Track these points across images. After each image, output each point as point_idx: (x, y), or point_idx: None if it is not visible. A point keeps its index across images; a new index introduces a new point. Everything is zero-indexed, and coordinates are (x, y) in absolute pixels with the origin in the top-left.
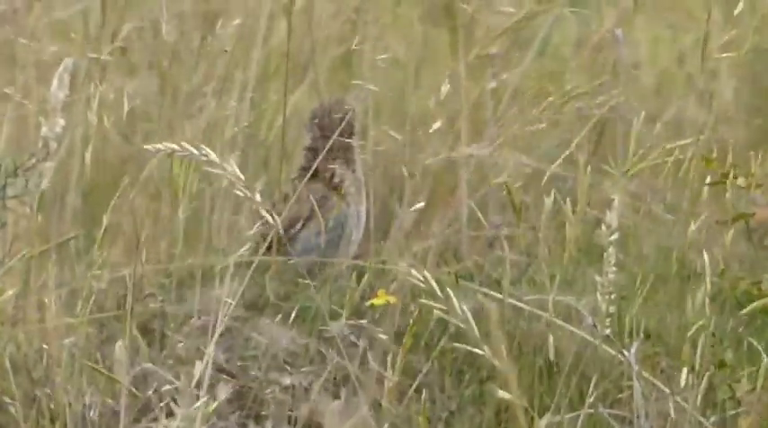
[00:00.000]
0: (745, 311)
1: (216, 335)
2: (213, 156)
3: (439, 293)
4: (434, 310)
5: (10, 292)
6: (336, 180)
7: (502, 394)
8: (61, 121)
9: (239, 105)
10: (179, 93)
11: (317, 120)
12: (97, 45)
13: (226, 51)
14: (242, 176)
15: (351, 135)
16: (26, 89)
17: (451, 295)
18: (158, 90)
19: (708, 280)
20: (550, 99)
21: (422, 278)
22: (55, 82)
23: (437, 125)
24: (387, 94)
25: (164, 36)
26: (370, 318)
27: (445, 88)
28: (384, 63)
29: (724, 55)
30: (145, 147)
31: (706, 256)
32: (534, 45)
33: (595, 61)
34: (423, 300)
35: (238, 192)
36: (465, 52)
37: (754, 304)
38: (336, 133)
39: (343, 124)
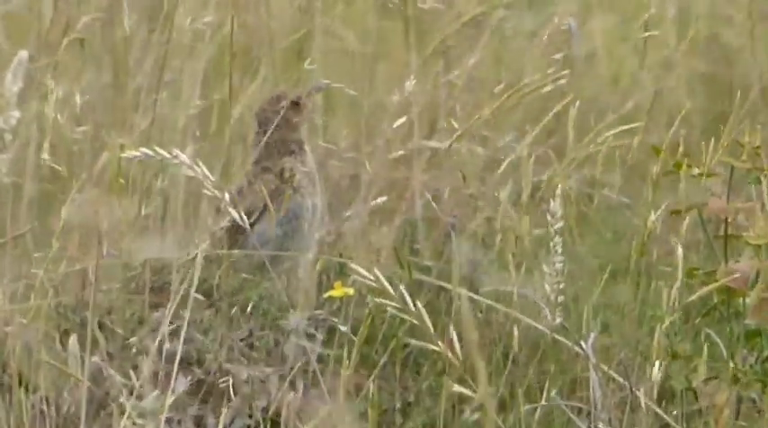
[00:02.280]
0: (694, 297)
1: (165, 326)
2: (184, 157)
3: (391, 291)
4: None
5: None
6: (287, 174)
7: (457, 388)
8: (16, 114)
9: (191, 97)
10: (131, 85)
11: (256, 115)
12: (52, 37)
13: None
14: (211, 177)
15: (291, 129)
16: None
17: (404, 292)
18: (111, 83)
19: (680, 270)
20: (501, 86)
21: (372, 277)
22: (9, 75)
23: (402, 120)
24: (341, 87)
25: (125, 29)
26: (328, 310)
27: (410, 83)
28: (337, 54)
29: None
30: (123, 155)
31: (680, 250)
32: (485, 36)
33: (549, 53)
34: (377, 299)
35: (207, 192)
36: (420, 45)
37: (703, 290)
38: (271, 129)
39: (279, 119)
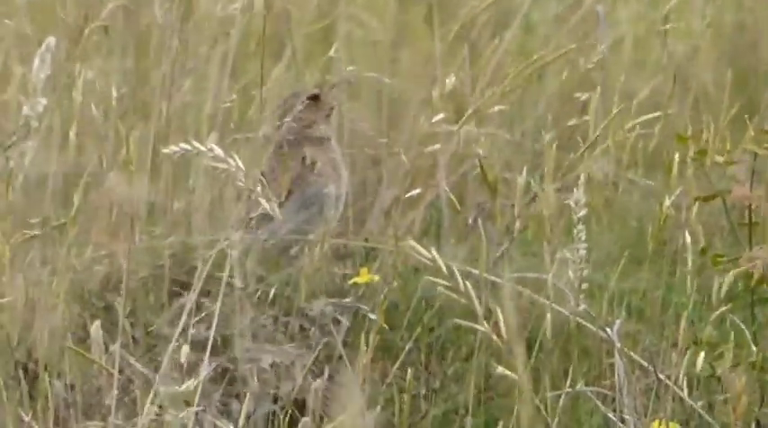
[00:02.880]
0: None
1: (190, 312)
2: (219, 151)
3: (445, 271)
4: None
5: None
6: (308, 162)
7: (502, 371)
8: (43, 101)
9: (218, 84)
10: (156, 72)
11: (278, 108)
12: (80, 24)
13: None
14: (243, 168)
15: (313, 122)
16: (6, 69)
17: (456, 272)
18: (135, 69)
19: (689, 257)
20: (521, 68)
21: (428, 255)
22: (36, 61)
23: (440, 116)
24: (367, 76)
25: (156, 15)
26: (353, 297)
27: (450, 81)
28: (361, 41)
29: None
30: (164, 151)
31: (688, 236)
32: (516, 22)
33: (575, 39)
34: (428, 277)
35: (240, 184)
36: (443, 32)
37: (729, 275)
38: (287, 123)
39: (297, 114)
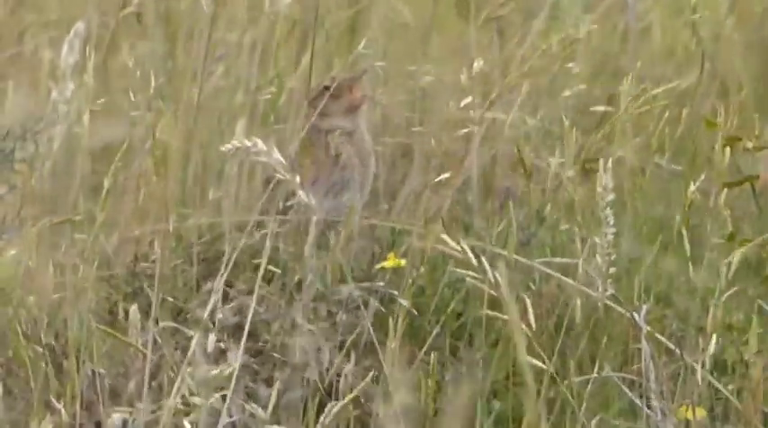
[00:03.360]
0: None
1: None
2: (261, 145)
3: (474, 262)
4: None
5: (20, 256)
6: (333, 152)
7: (528, 359)
8: (71, 86)
9: (248, 70)
10: (184, 58)
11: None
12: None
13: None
14: (284, 161)
15: (336, 112)
16: (36, 53)
17: (484, 261)
18: (167, 55)
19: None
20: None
21: (456, 245)
22: (65, 47)
23: (468, 100)
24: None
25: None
26: (381, 281)
27: (478, 64)
28: (391, 26)
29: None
30: (222, 148)
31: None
32: (544, 9)
33: (605, 26)
34: (454, 269)
35: (280, 176)
36: (475, 15)
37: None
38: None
39: (321, 104)
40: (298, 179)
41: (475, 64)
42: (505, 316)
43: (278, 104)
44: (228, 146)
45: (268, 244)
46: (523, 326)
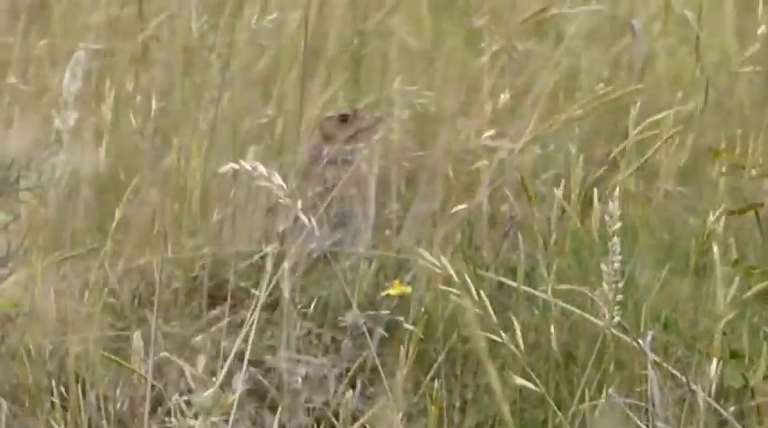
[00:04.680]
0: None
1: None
2: (261, 169)
3: (456, 279)
4: (450, 300)
5: (25, 284)
6: (329, 184)
7: (520, 381)
8: (74, 114)
9: (253, 97)
10: (194, 85)
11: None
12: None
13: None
14: (285, 186)
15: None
16: (40, 82)
17: (470, 283)
18: (176, 83)
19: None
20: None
21: (439, 265)
22: (67, 74)
23: (490, 133)
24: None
25: (193, 31)
26: (386, 309)
27: (504, 97)
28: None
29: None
30: (220, 171)
31: (715, 248)
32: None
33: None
34: (441, 287)
35: (282, 201)
36: (485, 44)
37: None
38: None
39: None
40: (299, 204)
41: (502, 96)
42: (494, 337)
43: (283, 132)
44: (226, 167)
45: (269, 269)
46: (513, 347)
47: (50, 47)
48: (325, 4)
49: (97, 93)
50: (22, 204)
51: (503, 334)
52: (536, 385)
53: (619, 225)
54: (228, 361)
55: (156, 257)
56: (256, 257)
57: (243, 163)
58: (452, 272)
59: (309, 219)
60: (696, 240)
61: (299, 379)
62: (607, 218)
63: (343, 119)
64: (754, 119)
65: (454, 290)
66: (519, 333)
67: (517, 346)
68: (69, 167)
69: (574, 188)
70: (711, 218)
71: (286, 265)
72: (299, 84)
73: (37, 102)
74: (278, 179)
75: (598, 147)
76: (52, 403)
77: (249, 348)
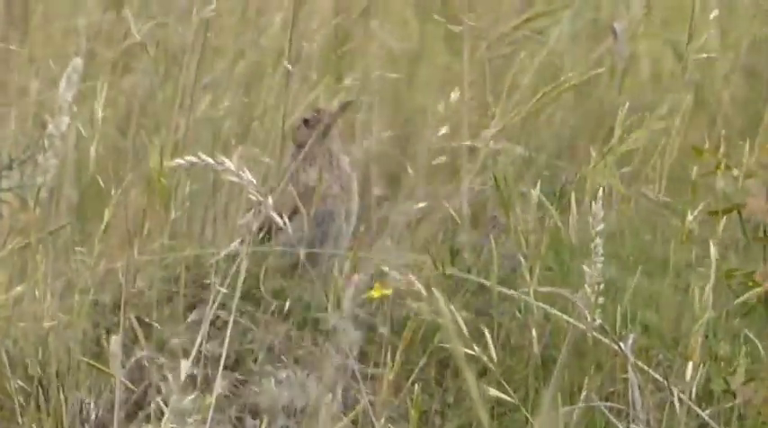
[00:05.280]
0: (740, 300)
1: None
2: (229, 163)
3: (424, 293)
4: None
5: (4, 285)
6: (312, 183)
7: (494, 393)
8: (67, 120)
9: (235, 100)
10: (176, 88)
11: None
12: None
13: None
14: (255, 181)
15: (319, 142)
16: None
17: (437, 295)
18: (157, 86)
19: (713, 271)
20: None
21: (407, 280)
22: (63, 81)
23: (444, 130)
24: (382, 90)
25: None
26: (367, 311)
27: (455, 95)
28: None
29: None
30: (173, 163)
31: (713, 249)
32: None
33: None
34: (409, 302)
35: (252, 197)
36: (467, 48)
37: (748, 294)
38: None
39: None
40: (270, 200)
41: (452, 93)
42: (463, 348)
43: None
44: (181, 161)
45: (242, 273)
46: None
47: (30, 52)
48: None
49: (80, 97)
50: (4, 204)
51: (475, 348)
52: (510, 395)
53: (602, 226)
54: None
55: (128, 260)
56: (221, 255)
57: (203, 156)
58: (420, 286)
59: (282, 217)
60: (675, 241)
61: (280, 383)
62: (590, 219)
63: (306, 121)
64: (737, 119)
65: (424, 306)
66: (491, 344)
67: (490, 358)
68: (54, 169)
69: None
70: (690, 217)
71: (243, 266)
72: (283, 85)
73: (20, 105)
74: (248, 174)
75: (580, 149)
76: (34, 407)
77: (224, 351)
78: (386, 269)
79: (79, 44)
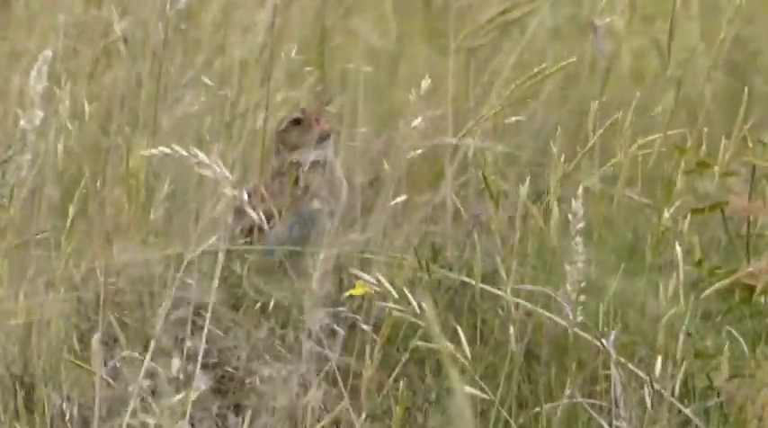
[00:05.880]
0: (709, 291)
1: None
2: (203, 156)
3: (395, 295)
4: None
5: None
6: (301, 184)
7: (469, 390)
8: (40, 113)
9: (218, 97)
10: (158, 85)
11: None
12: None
13: None
14: (230, 176)
15: (303, 142)
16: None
17: (408, 295)
18: (137, 82)
19: (681, 269)
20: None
21: (374, 281)
22: (33, 74)
23: (418, 121)
24: (364, 86)
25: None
26: (350, 308)
27: (426, 83)
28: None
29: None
30: (142, 153)
31: (678, 247)
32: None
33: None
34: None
35: (227, 192)
36: (451, 41)
37: (717, 285)
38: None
39: (286, 136)
40: (245, 195)
41: (423, 82)
42: (435, 346)
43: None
44: (153, 151)
45: (218, 269)
46: (459, 356)
47: (12, 48)
48: (289, 4)
49: (61, 93)
50: None
51: (449, 344)
52: (487, 393)
53: (582, 224)
54: (194, 360)
55: (107, 259)
56: (198, 252)
57: (176, 147)
58: (390, 288)
59: (258, 213)
60: (652, 239)
61: (263, 380)
62: (571, 217)
63: (297, 121)
64: (719, 117)
65: (395, 306)
66: (465, 343)
67: (466, 357)
68: (27, 164)
69: (554, 187)
70: (666, 215)
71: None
72: (265, 82)
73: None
74: (222, 169)
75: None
76: (16, 405)
77: (203, 347)
78: (358, 273)
79: (58, 39)
